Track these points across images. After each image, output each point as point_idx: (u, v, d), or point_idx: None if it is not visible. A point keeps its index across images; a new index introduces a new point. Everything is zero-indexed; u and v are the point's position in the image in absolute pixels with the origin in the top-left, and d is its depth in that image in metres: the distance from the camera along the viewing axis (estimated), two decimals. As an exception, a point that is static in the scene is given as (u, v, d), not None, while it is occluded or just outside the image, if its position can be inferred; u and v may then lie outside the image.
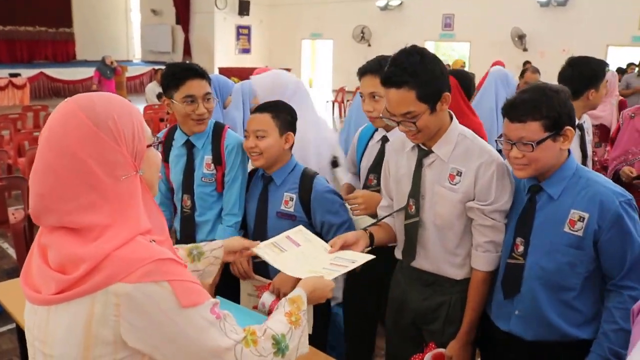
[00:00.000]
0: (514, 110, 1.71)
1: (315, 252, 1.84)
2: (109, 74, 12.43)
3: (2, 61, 17.89)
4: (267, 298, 2.04)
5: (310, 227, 2.17)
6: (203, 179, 2.38)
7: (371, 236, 1.97)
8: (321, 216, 2.17)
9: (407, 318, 2.07)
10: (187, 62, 2.44)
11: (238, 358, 1.16)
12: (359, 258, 1.78)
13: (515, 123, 1.71)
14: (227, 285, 2.23)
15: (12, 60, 18.38)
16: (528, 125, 1.68)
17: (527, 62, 5.68)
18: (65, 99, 1.14)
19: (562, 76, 2.71)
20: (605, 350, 1.67)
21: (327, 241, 1.92)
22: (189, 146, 2.39)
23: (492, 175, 1.81)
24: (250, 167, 2.40)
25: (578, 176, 1.75)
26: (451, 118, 1.90)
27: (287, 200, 2.19)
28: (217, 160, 2.37)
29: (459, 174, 1.84)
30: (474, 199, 1.84)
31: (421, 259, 1.98)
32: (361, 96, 2.31)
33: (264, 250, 1.82)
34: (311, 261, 1.77)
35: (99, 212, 1.08)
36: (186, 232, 2.41)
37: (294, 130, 2.21)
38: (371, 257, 1.80)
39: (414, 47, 1.79)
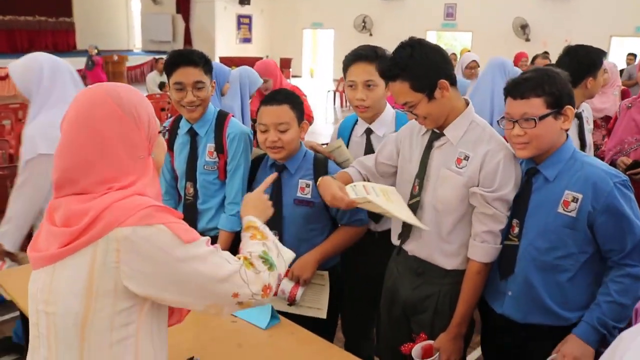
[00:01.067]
0: (517, 87, 1.76)
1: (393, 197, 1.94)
2: (90, 64, 11.75)
3: (2, 51, 17.85)
4: (286, 284, 2.09)
5: (327, 211, 2.20)
6: (205, 166, 2.39)
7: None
8: None
9: (398, 308, 2.08)
10: (189, 48, 2.41)
11: (244, 279, 1.25)
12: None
13: (517, 100, 1.75)
14: None
15: (12, 50, 18.34)
16: (531, 101, 1.73)
17: (537, 56, 5.72)
18: (89, 86, 1.25)
19: (560, 64, 2.70)
20: (594, 319, 1.70)
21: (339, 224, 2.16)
22: (192, 134, 2.41)
23: (498, 163, 1.82)
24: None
25: (574, 159, 1.78)
26: (467, 104, 1.93)
27: (303, 187, 2.18)
28: (220, 148, 2.38)
29: (466, 158, 1.86)
30: (478, 185, 1.85)
31: (414, 243, 1.99)
32: (350, 85, 2.23)
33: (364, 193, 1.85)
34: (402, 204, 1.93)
35: (115, 184, 1.19)
36: (188, 220, 2.39)
37: (304, 118, 2.19)
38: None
39: (410, 39, 1.87)
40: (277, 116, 2.10)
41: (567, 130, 1.80)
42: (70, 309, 1.15)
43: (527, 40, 15.81)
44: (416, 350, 1.91)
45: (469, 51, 8.48)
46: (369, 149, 2.28)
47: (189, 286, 1.19)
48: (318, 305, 2.18)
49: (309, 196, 2.17)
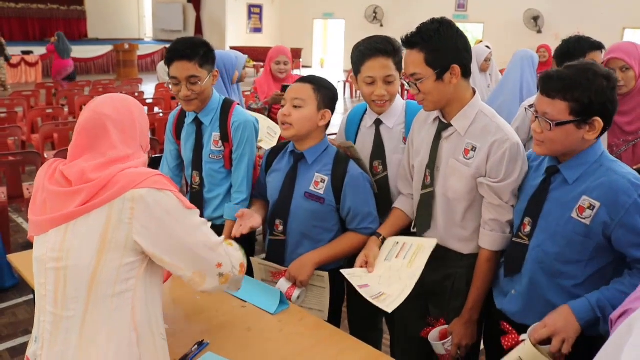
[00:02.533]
0: (548, 82, 1.63)
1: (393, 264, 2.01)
2: (65, 55, 10.95)
3: (14, 39, 17.94)
4: (283, 284, 2.07)
5: (337, 212, 2.13)
6: (211, 155, 2.40)
7: (383, 239, 2.10)
8: (351, 202, 2.09)
9: (414, 290, 2.11)
10: (187, 38, 2.33)
11: (227, 252, 1.48)
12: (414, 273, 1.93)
13: (543, 96, 1.64)
14: None
15: (25, 38, 18.46)
16: (555, 103, 1.61)
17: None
18: (106, 95, 1.45)
19: (554, 54, 2.66)
20: (595, 299, 1.59)
21: (347, 228, 2.15)
22: (198, 123, 2.42)
23: (503, 154, 1.82)
24: (273, 142, 2.38)
25: (599, 164, 1.65)
26: (474, 94, 1.93)
27: (318, 182, 2.10)
28: (225, 137, 2.38)
29: (474, 149, 1.87)
30: (485, 176, 1.86)
31: (431, 230, 2.02)
32: (369, 81, 2.13)
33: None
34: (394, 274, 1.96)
35: (128, 160, 1.38)
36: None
37: (332, 109, 2.11)
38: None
39: (442, 18, 1.87)
40: (296, 91, 2.08)
41: (590, 140, 1.64)
42: (84, 261, 1.29)
43: (539, 32, 15.66)
44: (433, 334, 1.96)
45: (481, 41, 8.42)
46: (378, 140, 2.24)
47: (184, 248, 1.37)
48: (319, 307, 2.16)
49: (321, 192, 2.10)
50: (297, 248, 2.16)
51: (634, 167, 2.86)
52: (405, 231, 2.15)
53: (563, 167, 1.70)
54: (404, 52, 2.16)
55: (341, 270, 2.01)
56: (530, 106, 1.76)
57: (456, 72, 1.84)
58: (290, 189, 2.14)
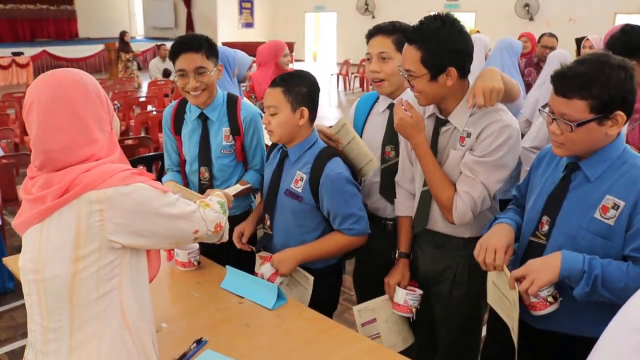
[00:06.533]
0: (563, 82, 1.51)
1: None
2: None
3: (4, 40, 17.83)
4: (266, 270, 2.10)
5: (318, 211, 2.13)
6: (222, 150, 2.43)
7: (408, 255, 2.16)
8: (328, 203, 2.08)
9: (417, 280, 2.14)
10: (192, 33, 2.43)
11: (202, 216, 1.50)
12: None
13: (559, 97, 1.52)
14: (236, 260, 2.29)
15: (15, 38, 18.31)
16: (573, 102, 1.49)
17: (543, 35, 5.59)
18: (45, 73, 1.32)
19: (610, 43, 2.47)
20: (589, 256, 1.51)
21: (332, 228, 2.13)
22: (203, 119, 2.42)
23: (493, 132, 1.82)
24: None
25: (623, 160, 1.56)
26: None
27: (298, 180, 2.11)
28: (235, 131, 2.42)
29: (469, 135, 1.87)
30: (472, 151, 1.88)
31: (434, 220, 2.03)
32: (368, 58, 2.19)
33: None
34: None
35: (93, 159, 1.30)
36: None
37: (310, 104, 2.09)
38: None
39: (446, 15, 1.82)
40: (269, 99, 2.09)
41: (612, 135, 1.55)
42: (59, 272, 1.25)
43: (531, 19, 15.64)
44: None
45: (477, 31, 8.39)
46: (391, 124, 2.18)
47: (161, 228, 1.36)
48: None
49: (299, 190, 2.10)
50: (283, 243, 2.18)
51: None
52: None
53: (584, 164, 1.60)
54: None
55: (354, 308, 2.17)
56: (544, 106, 1.66)
57: (452, 74, 1.80)
58: (276, 185, 2.18)
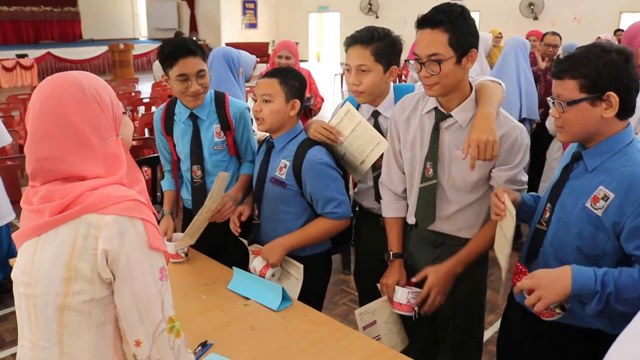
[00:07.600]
0: (557, 65, 1.60)
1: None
2: None
3: (8, 42, 17.89)
4: (257, 263, 2.15)
5: (302, 197, 2.19)
6: (215, 147, 2.46)
7: (401, 255, 2.15)
8: (310, 187, 2.14)
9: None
10: (182, 37, 2.46)
11: (165, 306, 1.26)
12: None
13: (555, 80, 1.60)
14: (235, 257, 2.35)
15: (19, 41, 18.36)
16: (565, 83, 1.56)
17: (547, 33, 5.55)
18: (48, 77, 1.26)
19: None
20: (600, 273, 1.48)
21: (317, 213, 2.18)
22: (194, 119, 2.45)
23: (512, 143, 1.85)
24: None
25: (623, 153, 1.56)
26: (471, 88, 1.91)
27: (282, 167, 2.19)
28: (226, 126, 2.47)
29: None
30: (495, 167, 1.89)
31: (435, 222, 2.01)
32: (347, 69, 2.16)
33: None
34: None
35: (91, 169, 1.22)
36: (198, 201, 2.45)
37: (301, 98, 2.18)
38: None
39: (454, 2, 1.85)
40: (264, 87, 2.16)
41: (609, 118, 1.54)
42: (50, 289, 1.17)
43: (535, 18, 15.58)
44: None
45: (499, 33, 8.30)
46: (377, 130, 2.19)
47: (135, 283, 1.19)
48: (290, 295, 2.16)
49: (284, 177, 2.18)
50: (272, 232, 2.24)
51: None
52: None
53: (586, 153, 1.62)
54: (403, 38, 2.16)
55: (356, 311, 2.13)
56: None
57: (473, 57, 1.82)
58: (264, 174, 2.26)
